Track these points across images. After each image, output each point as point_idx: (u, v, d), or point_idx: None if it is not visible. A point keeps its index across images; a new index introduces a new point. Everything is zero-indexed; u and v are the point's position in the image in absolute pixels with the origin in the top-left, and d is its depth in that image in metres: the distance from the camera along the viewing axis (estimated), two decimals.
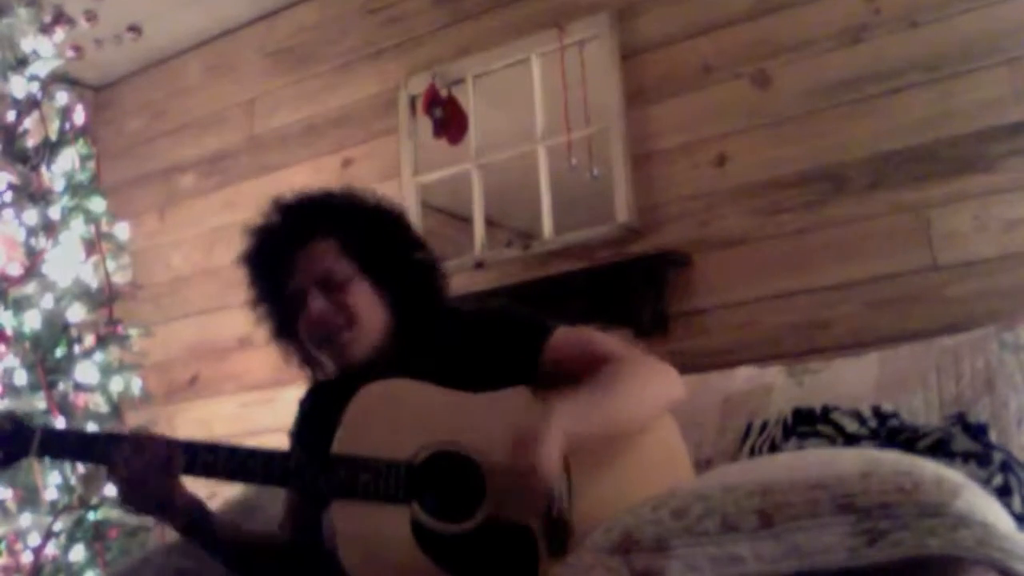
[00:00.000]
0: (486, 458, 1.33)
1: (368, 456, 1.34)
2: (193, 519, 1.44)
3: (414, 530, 1.30)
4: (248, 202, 3.29)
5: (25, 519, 2.40)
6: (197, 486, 3.03)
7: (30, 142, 2.68)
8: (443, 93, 2.89)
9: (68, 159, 2.70)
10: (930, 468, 0.97)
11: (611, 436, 1.37)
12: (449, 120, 2.88)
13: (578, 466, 1.33)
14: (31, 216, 2.58)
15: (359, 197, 1.60)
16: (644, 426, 1.43)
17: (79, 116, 2.78)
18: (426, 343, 1.52)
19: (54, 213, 2.61)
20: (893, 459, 1.01)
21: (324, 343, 1.50)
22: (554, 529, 1.28)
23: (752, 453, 1.81)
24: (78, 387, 2.57)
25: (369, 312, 1.50)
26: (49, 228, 2.60)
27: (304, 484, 1.38)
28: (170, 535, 2.67)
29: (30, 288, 2.54)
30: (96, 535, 2.45)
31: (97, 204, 2.71)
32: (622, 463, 1.38)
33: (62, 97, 2.76)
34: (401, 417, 1.37)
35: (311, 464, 1.36)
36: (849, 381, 1.90)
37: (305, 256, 1.51)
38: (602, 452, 1.36)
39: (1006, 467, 1.49)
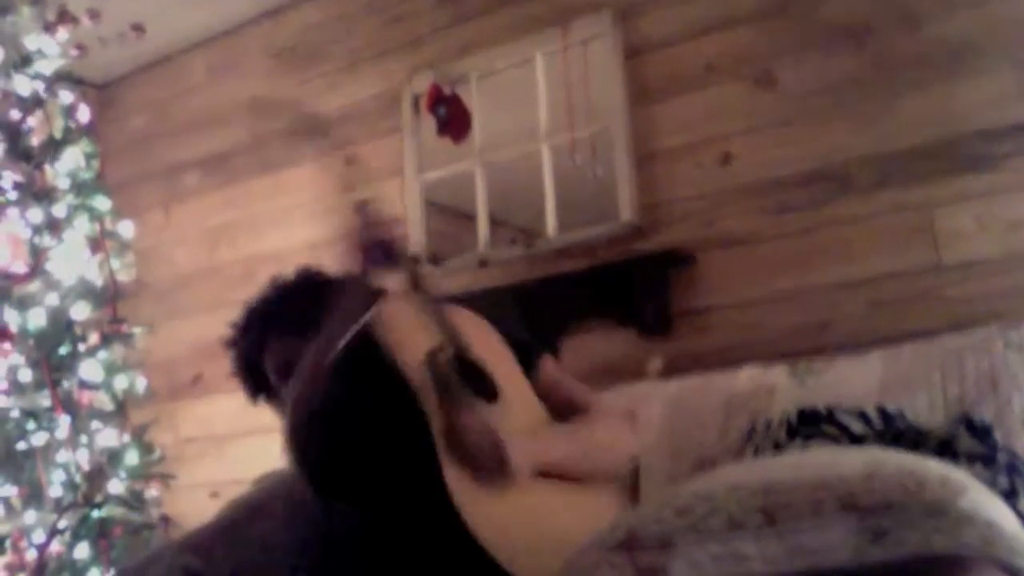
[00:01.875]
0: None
1: None
2: None
3: None
4: (252, 200, 3.32)
5: (30, 516, 2.41)
6: (198, 490, 3.02)
7: (34, 140, 2.68)
8: (447, 92, 2.89)
9: (72, 157, 2.70)
10: (935, 467, 0.97)
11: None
12: (453, 119, 2.88)
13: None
14: (35, 214, 2.59)
15: (273, 287, 1.84)
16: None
17: (83, 114, 2.79)
18: None
19: (58, 211, 2.62)
20: (897, 459, 1.02)
21: None
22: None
23: (756, 453, 1.81)
24: (82, 385, 2.57)
25: None
26: (53, 226, 2.60)
27: None
28: (175, 533, 2.69)
29: (34, 286, 2.54)
30: (100, 533, 2.46)
31: (101, 202, 2.71)
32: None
33: (66, 96, 2.76)
34: None
35: None
36: (852, 381, 1.90)
37: (266, 358, 1.77)
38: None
39: (1012, 468, 1.50)
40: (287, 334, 1.70)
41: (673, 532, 1.00)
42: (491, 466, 1.34)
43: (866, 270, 2.24)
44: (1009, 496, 1.42)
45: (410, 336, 1.49)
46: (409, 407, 1.42)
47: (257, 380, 1.78)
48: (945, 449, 1.52)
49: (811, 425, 1.71)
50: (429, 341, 1.47)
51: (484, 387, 1.48)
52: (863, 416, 1.68)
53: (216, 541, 1.86)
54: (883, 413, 1.69)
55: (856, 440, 1.62)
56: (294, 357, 1.61)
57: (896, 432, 1.62)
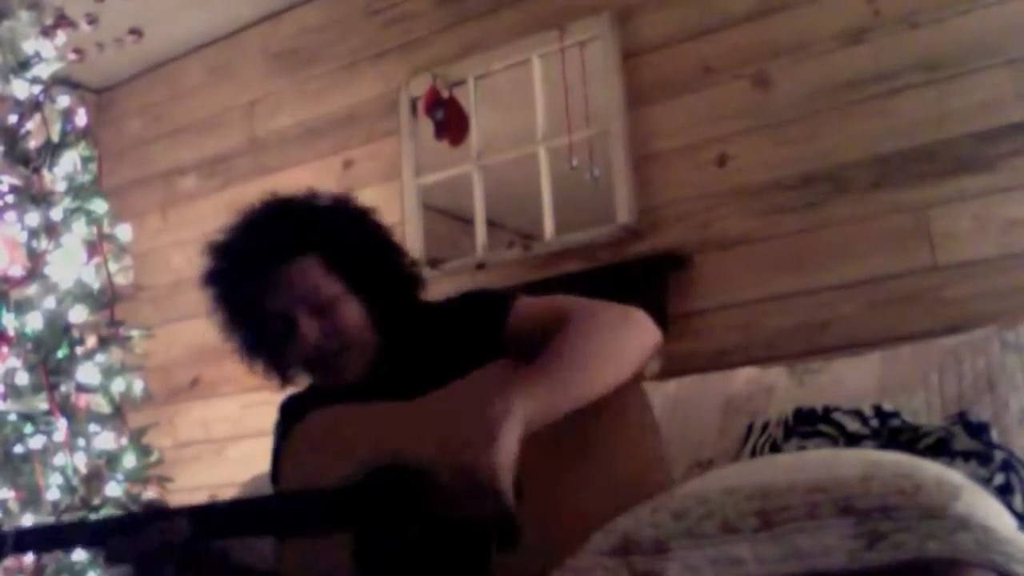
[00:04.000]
0: (430, 461, 1.19)
1: (301, 489, 1.30)
2: None
3: (356, 553, 1.25)
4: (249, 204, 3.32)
5: (27, 520, 2.40)
6: (196, 493, 3.01)
7: (32, 144, 2.68)
8: (444, 94, 2.89)
9: (70, 161, 2.70)
10: (931, 470, 0.97)
11: (581, 406, 1.23)
12: (450, 121, 2.88)
13: (525, 457, 1.17)
14: (33, 218, 2.58)
15: (338, 205, 1.51)
16: (617, 386, 1.27)
17: (81, 118, 2.78)
18: (409, 348, 1.44)
19: (56, 215, 2.61)
20: (894, 461, 1.01)
21: (317, 367, 1.44)
22: (501, 522, 1.15)
23: (753, 453, 1.81)
24: (80, 388, 2.56)
25: (361, 331, 1.42)
26: (51, 230, 2.60)
27: (251, 531, 1.33)
28: None
29: (32, 290, 2.54)
30: None
31: (99, 206, 2.70)
32: (577, 460, 1.27)
33: (64, 99, 2.75)
34: (339, 444, 1.32)
35: (246, 508, 1.34)
36: (850, 382, 1.90)
37: (288, 274, 1.40)
38: (553, 445, 1.24)
39: (1007, 466, 1.50)
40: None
41: (668, 536, 1.00)
42: None
43: (863, 271, 2.24)
44: (1004, 492, 1.42)
45: None
46: None
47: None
48: (942, 447, 1.52)
49: (807, 424, 1.71)
50: None
51: None
52: (859, 415, 1.68)
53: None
54: (879, 412, 1.69)
55: (853, 439, 1.62)
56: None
57: (893, 430, 1.62)
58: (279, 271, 1.40)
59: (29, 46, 2.70)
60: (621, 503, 1.14)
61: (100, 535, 1.35)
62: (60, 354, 2.55)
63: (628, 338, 1.31)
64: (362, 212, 1.52)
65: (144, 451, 2.63)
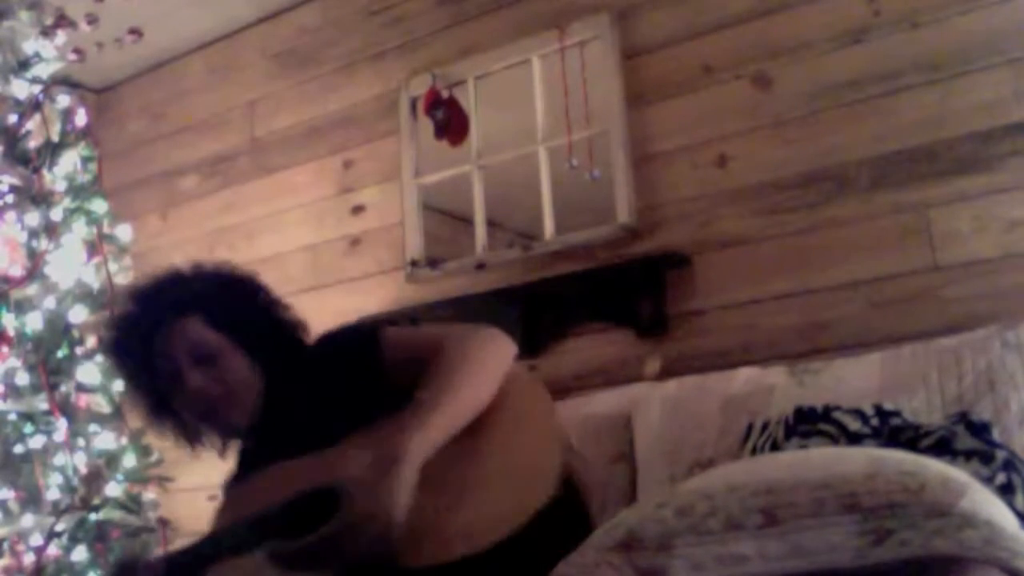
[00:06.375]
0: (346, 480, 1.29)
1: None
2: None
3: (271, 557, 1.28)
4: (250, 204, 3.32)
5: (27, 520, 2.40)
6: (196, 493, 3.00)
7: (32, 144, 2.68)
8: (444, 94, 2.89)
9: (70, 161, 2.70)
10: (935, 468, 0.97)
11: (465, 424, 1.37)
12: (450, 121, 2.88)
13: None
14: (33, 218, 2.58)
15: (212, 271, 1.66)
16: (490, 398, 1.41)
17: (81, 118, 2.79)
18: (291, 391, 1.56)
19: (56, 215, 2.61)
20: (898, 459, 1.02)
21: (206, 417, 1.57)
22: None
23: (754, 453, 1.81)
24: (80, 388, 2.57)
25: (245, 379, 1.56)
26: (51, 230, 2.60)
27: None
28: (172, 536, 2.68)
29: (32, 289, 2.54)
30: (98, 536, 2.46)
31: (99, 206, 2.71)
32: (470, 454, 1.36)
33: (64, 99, 2.76)
34: (259, 496, 1.40)
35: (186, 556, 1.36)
36: (851, 381, 1.91)
37: (172, 335, 1.54)
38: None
39: (1009, 465, 1.50)
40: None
41: (673, 532, 1.00)
42: None
43: (863, 271, 2.24)
44: (1006, 491, 1.43)
45: None
46: None
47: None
48: (943, 446, 1.52)
49: (808, 423, 1.71)
50: None
51: None
52: (860, 414, 1.68)
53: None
54: (880, 411, 1.69)
55: (854, 438, 1.62)
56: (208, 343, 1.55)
57: (894, 430, 1.62)
58: (163, 333, 1.55)
59: (29, 46, 2.70)
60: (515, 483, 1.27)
61: None
62: (60, 354, 2.55)
63: (492, 357, 1.44)
64: (239, 276, 1.67)
65: (144, 451, 2.63)
